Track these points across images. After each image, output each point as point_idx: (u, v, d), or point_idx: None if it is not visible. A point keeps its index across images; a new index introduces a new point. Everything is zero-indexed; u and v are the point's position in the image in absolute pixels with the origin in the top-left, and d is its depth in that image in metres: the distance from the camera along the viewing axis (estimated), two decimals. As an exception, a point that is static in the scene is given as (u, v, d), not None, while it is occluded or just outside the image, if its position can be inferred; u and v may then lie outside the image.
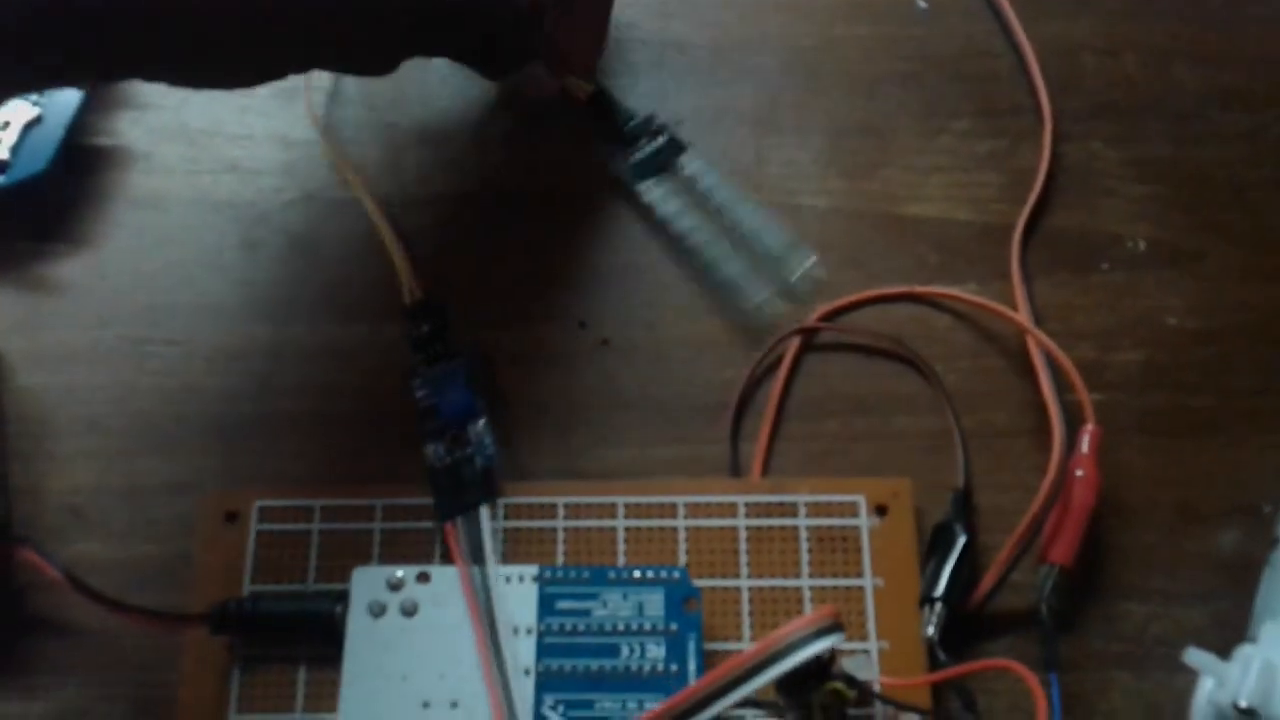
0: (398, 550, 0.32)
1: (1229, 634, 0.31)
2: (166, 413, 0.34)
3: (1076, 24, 0.40)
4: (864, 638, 0.31)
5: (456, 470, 0.32)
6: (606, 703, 0.29)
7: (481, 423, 0.32)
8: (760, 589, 0.31)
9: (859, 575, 0.32)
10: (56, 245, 0.36)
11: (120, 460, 0.33)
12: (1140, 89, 0.39)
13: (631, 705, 0.29)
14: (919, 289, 0.36)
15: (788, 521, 0.32)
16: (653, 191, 0.36)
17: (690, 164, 0.37)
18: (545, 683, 0.29)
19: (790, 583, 0.32)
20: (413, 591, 0.30)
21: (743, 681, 0.26)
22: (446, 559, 0.31)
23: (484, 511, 0.31)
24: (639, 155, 0.37)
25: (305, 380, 0.34)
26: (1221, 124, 0.39)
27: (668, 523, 0.32)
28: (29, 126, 0.35)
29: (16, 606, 0.31)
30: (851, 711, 0.29)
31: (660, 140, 0.37)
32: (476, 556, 0.30)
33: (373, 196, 0.36)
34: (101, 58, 0.28)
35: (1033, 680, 0.27)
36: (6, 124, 0.35)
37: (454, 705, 0.29)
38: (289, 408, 0.34)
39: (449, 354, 0.34)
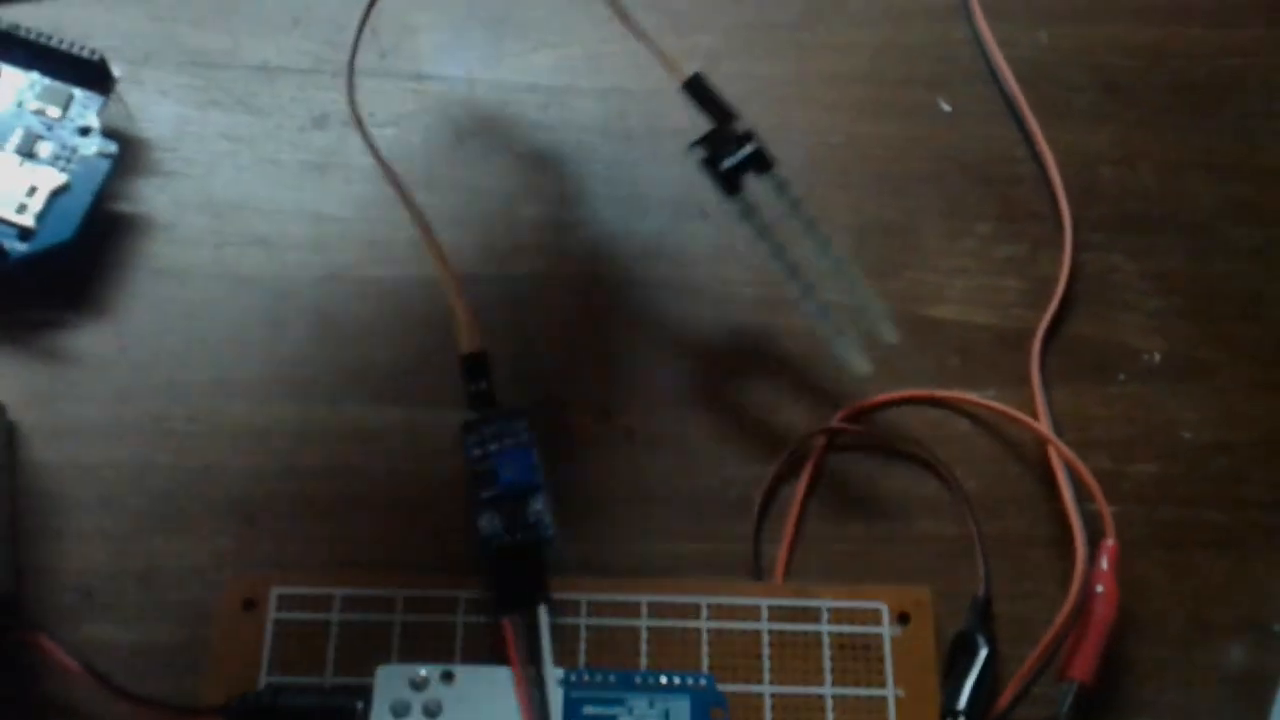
0: (418, 643, 0.31)
1: (1243, 753, 0.31)
2: (185, 492, 0.33)
3: (1095, 134, 0.41)
4: (886, 751, 0.31)
5: (515, 553, 0.30)
6: (633, 813, 0.29)
7: (541, 500, 0.31)
8: (783, 696, 0.31)
9: (881, 685, 0.32)
10: (77, 315, 0.35)
11: (136, 540, 0.33)
12: (1156, 200, 0.40)
13: (657, 816, 0.29)
14: (940, 393, 0.36)
15: (811, 627, 0.32)
16: (744, 204, 0.34)
17: (771, 186, 0.34)
18: (570, 792, 0.29)
19: (813, 690, 0.31)
20: (437, 691, 0.29)
21: None
22: (468, 655, 0.31)
23: (543, 611, 0.30)
24: (731, 160, 0.34)
25: (329, 462, 0.34)
26: (1234, 237, 0.40)
27: (691, 624, 0.32)
28: (56, 193, 0.34)
29: (27, 692, 0.30)
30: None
31: (750, 148, 0.34)
32: (532, 655, 0.29)
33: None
34: None
35: None
36: (34, 189, 0.34)
37: (478, 812, 0.28)
38: (312, 490, 0.33)
39: (509, 414, 0.32)
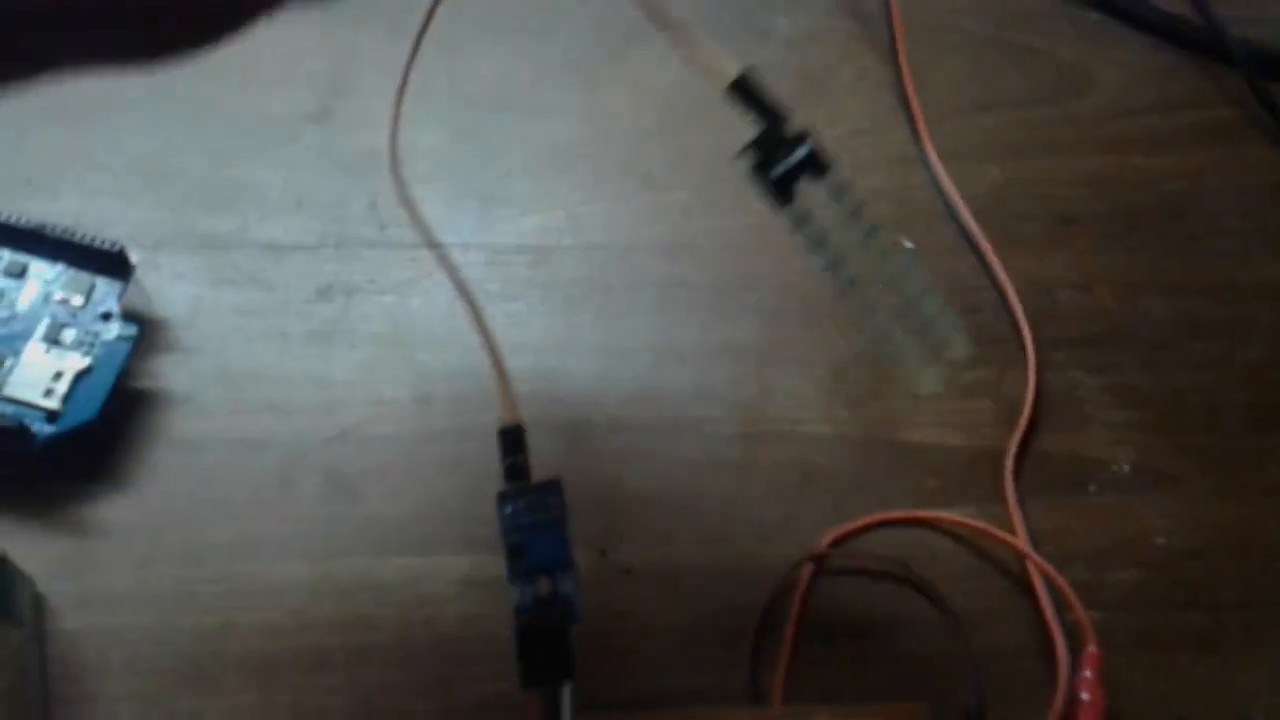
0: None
1: None
2: (207, 651, 0.35)
3: (1052, 261, 0.44)
4: None
5: (544, 629, 0.30)
6: None
7: (572, 578, 0.31)
8: (787, 819, 0.33)
9: (882, 804, 0.33)
10: (100, 487, 0.37)
11: (162, 701, 0.34)
12: (1114, 319, 0.42)
13: None
14: (920, 514, 0.38)
15: (810, 752, 0.34)
16: (804, 209, 0.32)
17: (832, 187, 0.31)
18: None
19: (815, 810, 0.33)
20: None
21: None
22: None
23: (566, 690, 0.30)
24: (783, 166, 0.31)
25: (341, 615, 0.36)
26: (1191, 350, 0.42)
27: (695, 754, 0.34)
28: (80, 376, 0.37)
29: None
30: None
31: (803, 151, 0.31)
32: None
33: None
34: None
35: None
36: (59, 374, 0.37)
37: None
38: (325, 642, 0.35)
39: (543, 487, 0.32)
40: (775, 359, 0.41)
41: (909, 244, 0.35)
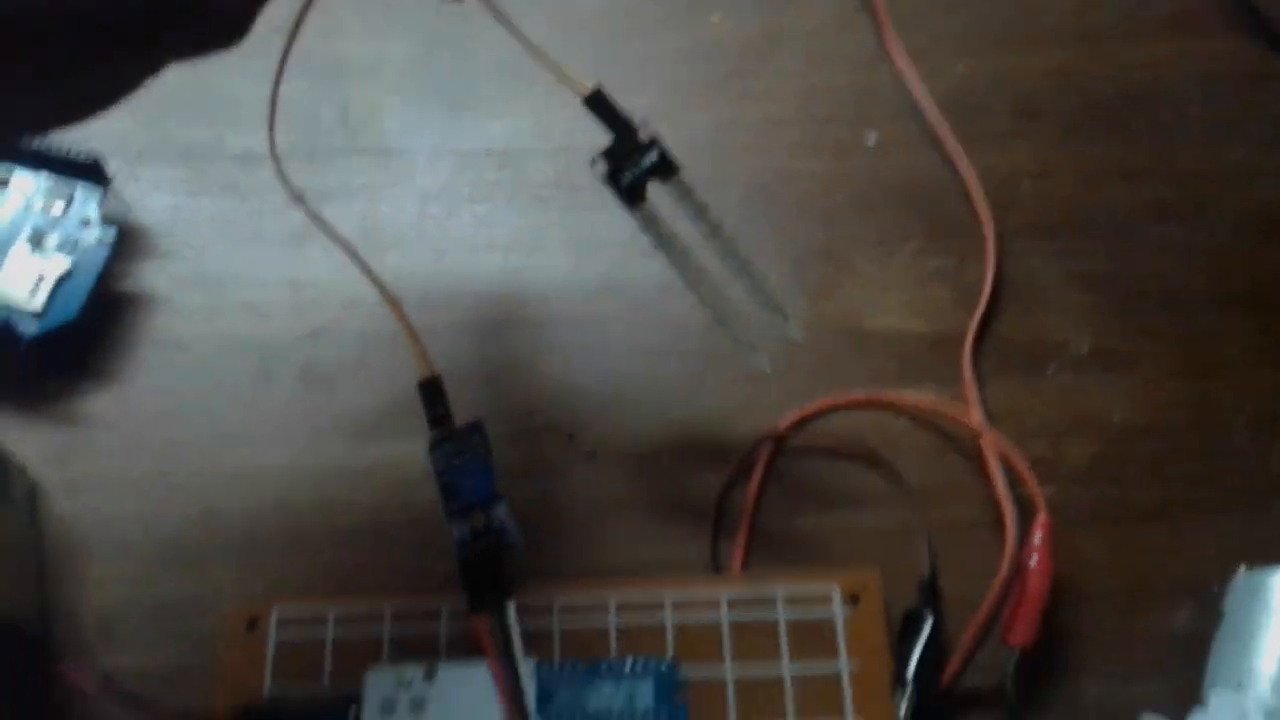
0: (407, 652, 0.35)
1: (1185, 706, 0.34)
2: (189, 535, 0.37)
3: (1014, 153, 0.44)
4: (842, 718, 0.34)
5: (483, 557, 0.33)
6: (603, 787, 0.32)
7: (503, 506, 0.34)
8: (744, 678, 0.34)
9: (835, 661, 0.35)
10: (88, 383, 0.39)
11: (148, 580, 0.36)
12: (1076, 208, 0.43)
13: (626, 789, 0.32)
14: (879, 395, 0.40)
15: (767, 614, 0.35)
16: (645, 214, 0.35)
17: (677, 191, 0.36)
18: (546, 771, 0.32)
19: (772, 671, 0.34)
20: (420, 689, 0.33)
21: None
22: (452, 658, 0.34)
23: (511, 608, 0.33)
24: (632, 173, 0.35)
25: (318, 498, 0.38)
26: (1152, 236, 0.43)
27: (656, 619, 0.35)
28: (62, 279, 0.39)
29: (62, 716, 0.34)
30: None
31: (652, 157, 0.35)
32: (506, 649, 0.32)
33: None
34: None
35: None
36: (42, 277, 0.39)
37: (461, 794, 0.31)
38: (304, 525, 0.37)
39: (466, 430, 0.34)
40: (739, 253, 0.43)
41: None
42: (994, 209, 0.43)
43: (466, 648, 0.34)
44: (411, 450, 0.38)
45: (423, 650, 0.35)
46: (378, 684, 0.33)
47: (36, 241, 0.39)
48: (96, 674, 0.32)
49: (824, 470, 0.39)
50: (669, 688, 0.33)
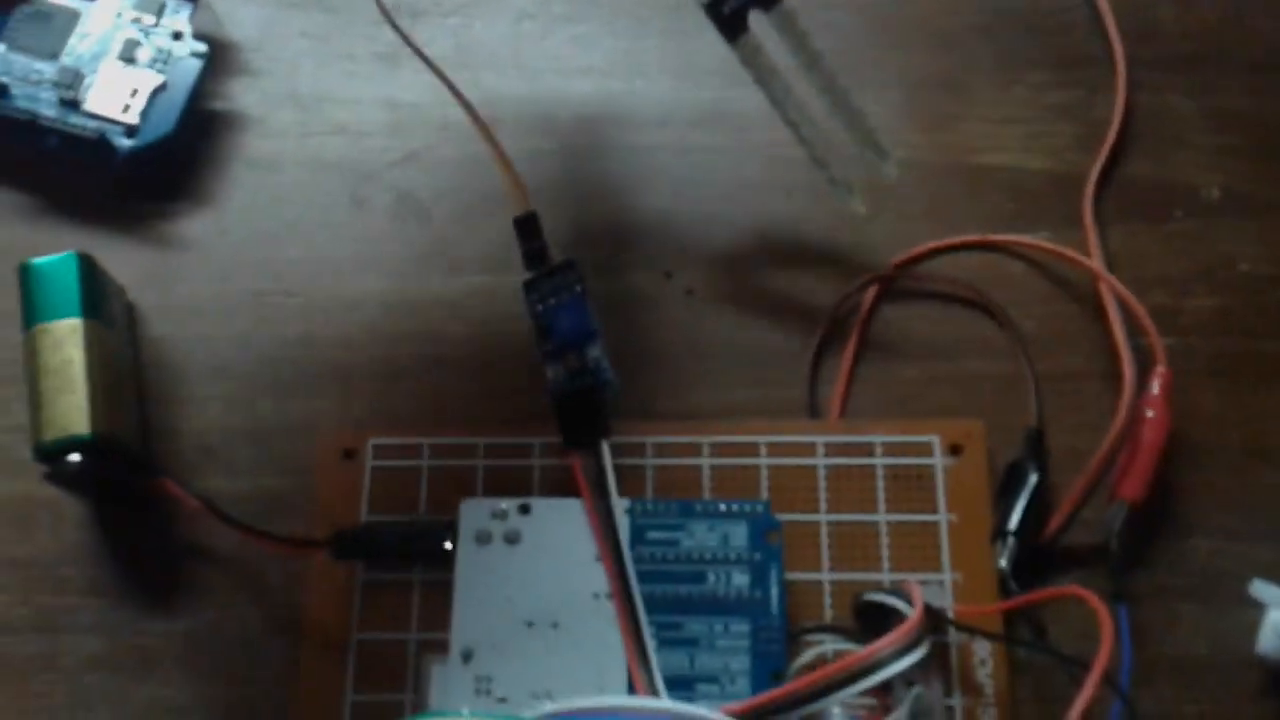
0: (499, 485, 0.35)
1: (1298, 571, 0.33)
2: (286, 358, 0.37)
3: (1153, -27, 0.41)
4: (938, 570, 0.33)
5: (578, 396, 0.33)
6: (694, 625, 0.32)
7: (598, 346, 0.34)
8: (838, 523, 0.34)
9: (933, 511, 0.34)
10: (181, 204, 0.39)
11: (245, 403, 0.37)
12: (1216, 39, 0.40)
13: (718, 628, 0.32)
14: (993, 237, 0.38)
15: (864, 461, 0.35)
16: (748, 47, 0.34)
17: (779, 19, 0.34)
18: (639, 607, 0.32)
19: (867, 518, 0.34)
20: (515, 521, 0.33)
21: (830, 691, 0.29)
22: (544, 494, 0.34)
23: (606, 446, 0.33)
24: (733, 1, 0.34)
25: (414, 328, 0.37)
26: (1298, 74, 0.40)
27: (750, 461, 0.35)
28: (155, 93, 0.38)
29: (159, 535, 0.35)
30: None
31: None
32: (599, 485, 0.33)
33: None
34: None
35: (1100, 605, 0.29)
36: (135, 91, 0.38)
37: (555, 625, 0.32)
38: (399, 354, 0.37)
39: (561, 268, 0.34)
40: (848, 80, 0.40)
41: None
42: (1126, 37, 0.40)
43: (560, 483, 0.34)
44: (507, 281, 0.38)
45: (516, 485, 0.35)
46: (472, 514, 0.33)
47: (128, 54, 0.39)
48: (198, 493, 0.33)
49: (930, 315, 0.37)
50: (763, 529, 0.33)
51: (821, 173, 0.36)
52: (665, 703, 0.30)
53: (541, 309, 0.34)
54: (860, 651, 0.29)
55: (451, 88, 0.34)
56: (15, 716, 0.33)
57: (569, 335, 0.33)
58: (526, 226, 0.34)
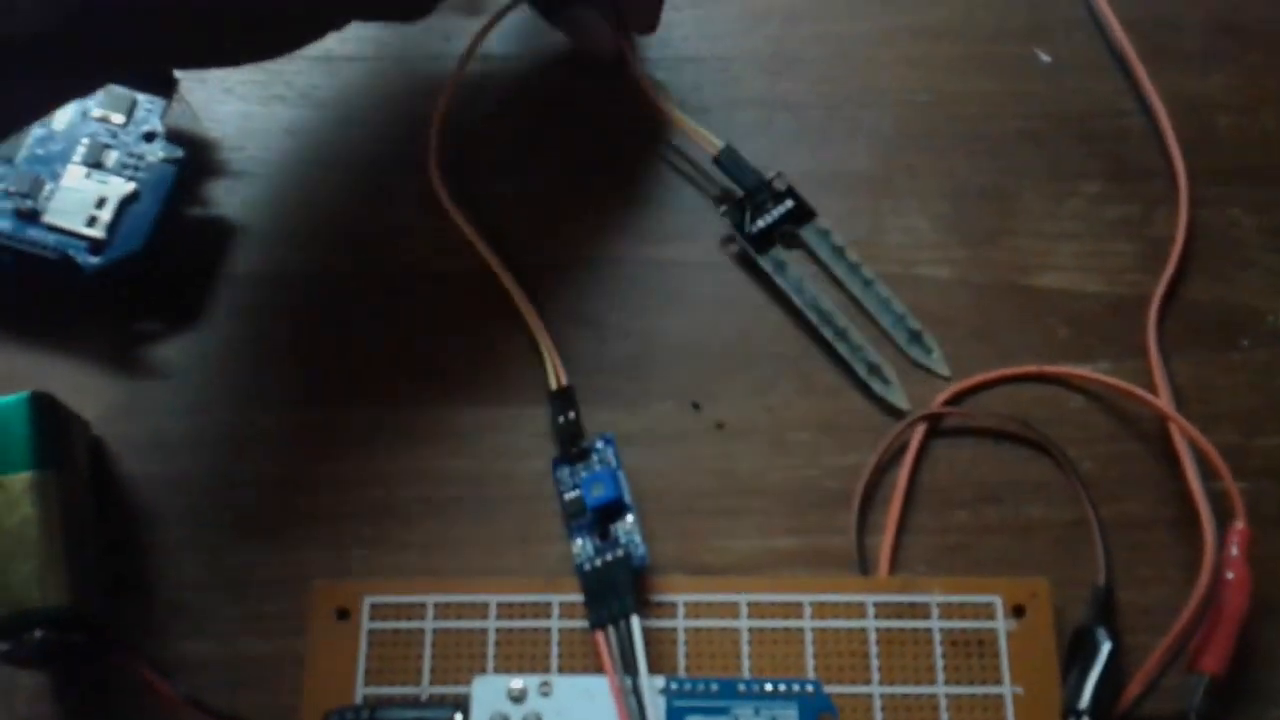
0: (514, 649, 0.31)
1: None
2: (270, 502, 0.34)
3: (1209, 79, 0.39)
4: (1007, 755, 0.31)
5: (607, 572, 0.31)
6: (742, 824, 0.29)
7: (631, 520, 0.32)
8: (894, 696, 0.31)
9: (997, 683, 0.31)
10: (155, 327, 0.36)
11: (223, 552, 0.33)
12: (1278, 149, 0.38)
13: (768, 827, 0.29)
14: (1049, 368, 0.35)
15: (920, 624, 0.32)
16: (775, 261, 0.36)
17: (815, 233, 0.37)
18: (677, 801, 0.29)
19: (925, 690, 0.31)
20: (535, 703, 0.30)
21: None
22: (565, 660, 0.31)
23: (635, 620, 0.30)
24: (763, 222, 0.36)
25: (414, 465, 0.34)
26: (1370, 187, 0.38)
27: (794, 623, 0.32)
28: (125, 202, 0.35)
29: (125, 714, 0.31)
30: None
31: (786, 206, 0.37)
32: (627, 666, 0.30)
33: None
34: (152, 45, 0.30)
35: None
36: (103, 201, 0.35)
37: (583, 825, 0.29)
38: (397, 495, 0.34)
39: (597, 441, 0.34)
40: (890, 190, 0.38)
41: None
42: (1185, 147, 0.38)
43: (584, 647, 0.31)
44: (519, 412, 0.35)
45: (532, 650, 0.31)
46: (486, 694, 0.30)
47: (94, 159, 0.35)
48: (181, 686, 0.29)
49: (984, 453, 0.35)
50: (815, 711, 0.30)
51: (860, 369, 0.35)
52: None
53: (572, 483, 0.33)
54: None
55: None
56: None
57: (601, 508, 0.32)
58: (562, 400, 0.34)
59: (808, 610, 0.32)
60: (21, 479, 0.30)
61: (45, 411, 0.31)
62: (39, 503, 0.30)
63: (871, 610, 0.32)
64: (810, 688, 0.30)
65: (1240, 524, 0.32)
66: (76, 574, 0.30)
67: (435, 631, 0.32)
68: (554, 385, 0.34)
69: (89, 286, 0.34)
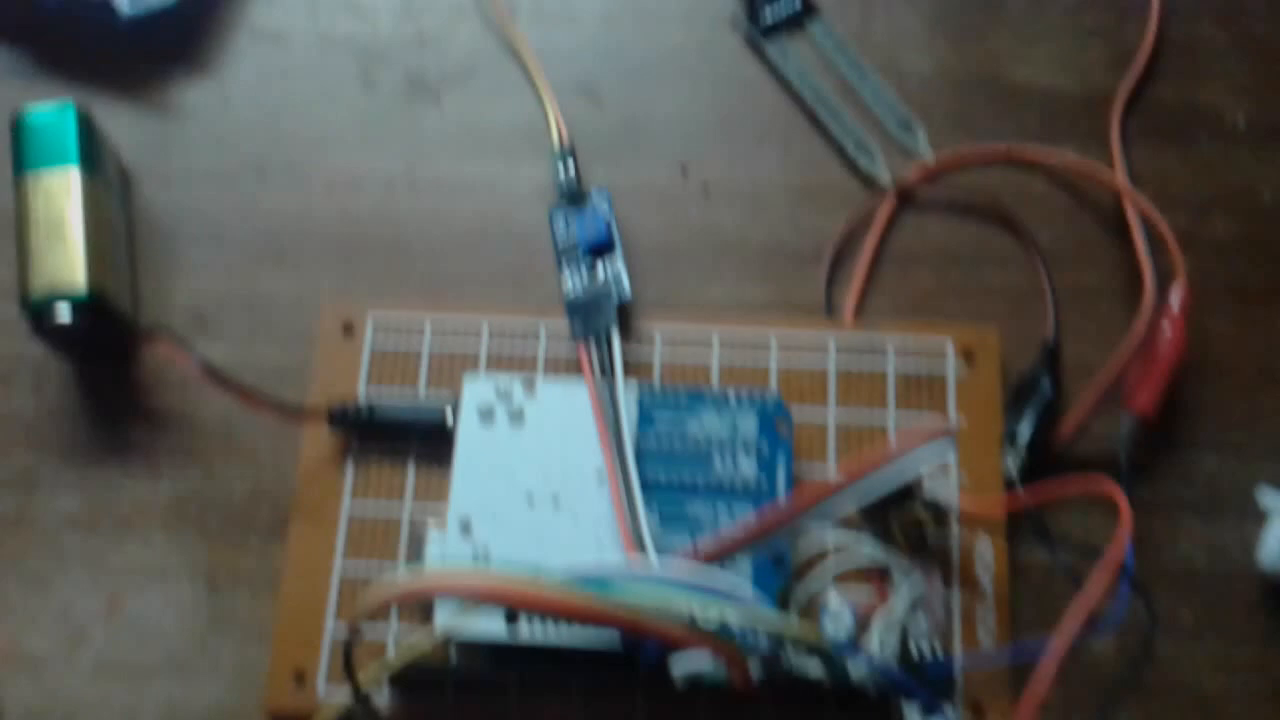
0: (502, 367, 0.35)
1: (1305, 488, 0.33)
2: (286, 231, 0.37)
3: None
4: (945, 474, 0.34)
5: (593, 299, 0.35)
6: (698, 508, 0.32)
7: (619, 259, 0.36)
8: (847, 423, 0.34)
9: (944, 416, 0.34)
10: (183, 71, 0.39)
11: (241, 273, 0.37)
12: (1253, -34, 0.41)
13: (721, 511, 0.32)
14: (1016, 151, 0.38)
15: (877, 364, 0.35)
16: (779, 50, 0.39)
17: (818, 28, 0.40)
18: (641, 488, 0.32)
19: (876, 421, 0.34)
20: (520, 400, 0.33)
21: (863, 492, 0.29)
22: (549, 375, 0.34)
23: (615, 333, 0.34)
24: (772, 16, 0.40)
25: (420, 207, 0.37)
26: (1332, 6, 0.40)
27: (761, 358, 0.35)
28: (160, -45, 0.38)
29: (144, 399, 0.35)
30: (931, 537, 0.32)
31: (795, 3, 0.40)
32: (605, 373, 0.33)
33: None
34: None
35: (1119, 493, 0.29)
36: (141, -49, 0.38)
37: (556, 501, 0.32)
38: (404, 233, 0.37)
39: (590, 192, 0.37)
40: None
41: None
42: (1161, -43, 0.40)
43: (565, 369, 0.34)
44: (516, 170, 0.38)
45: (519, 366, 0.35)
46: (475, 389, 0.33)
47: (134, -88, 0.38)
48: (199, 357, 0.32)
49: (951, 225, 0.38)
50: (773, 419, 0.33)
51: (849, 144, 0.38)
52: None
53: (564, 227, 0.36)
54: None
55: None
56: (-11, 574, 0.33)
57: (589, 245, 0.36)
58: (566, 156, 0.37)
59: (774, 345, 0.35)
60: (63, 174, 0.33)
61: (85, 122, 0.34)
62: (77, 197, 0.33)
63: (833, 347, 0.35)
64: (770, 398, 0.33)
65: (1181, 281, 0.35)
66: (106, 266, 0.33)
67: (431, 348, 0.35)
68: (556, 142, 0.38)
69: (125, 29, 0.38)
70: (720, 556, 0.28)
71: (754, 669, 0.28)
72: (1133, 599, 0.31)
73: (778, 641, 0.28)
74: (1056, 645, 0.29)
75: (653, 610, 0.24)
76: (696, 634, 0.25)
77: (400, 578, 0.28)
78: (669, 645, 0.25)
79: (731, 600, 0.26)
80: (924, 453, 0.28)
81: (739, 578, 0.29)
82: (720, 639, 0.26)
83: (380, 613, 0.30)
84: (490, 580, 0.23)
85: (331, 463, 0.34)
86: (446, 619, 0.30)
